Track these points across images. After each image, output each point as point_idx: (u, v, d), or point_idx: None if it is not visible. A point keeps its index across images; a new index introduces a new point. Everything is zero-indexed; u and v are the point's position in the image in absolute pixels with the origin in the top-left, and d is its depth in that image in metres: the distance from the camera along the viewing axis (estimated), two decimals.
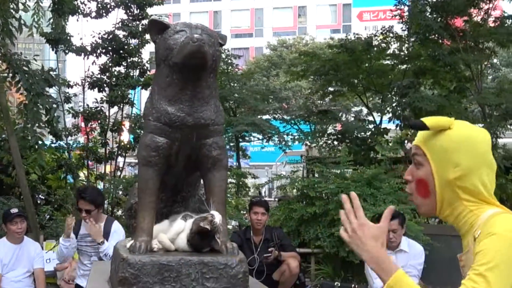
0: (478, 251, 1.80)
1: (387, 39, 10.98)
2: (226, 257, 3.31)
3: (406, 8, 10.77)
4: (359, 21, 43.06)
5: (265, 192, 21.38)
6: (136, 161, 11.32)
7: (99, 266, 4.58)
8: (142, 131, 9.97)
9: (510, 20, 10.03)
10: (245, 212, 9.14)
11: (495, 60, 27.81)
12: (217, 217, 3.22)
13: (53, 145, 10.60)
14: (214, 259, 3.28)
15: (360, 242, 1.91)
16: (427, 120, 2.01)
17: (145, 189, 3.42)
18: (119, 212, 10.41)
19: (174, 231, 3.36)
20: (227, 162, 3.69)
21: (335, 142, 11.16)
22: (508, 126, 9.85)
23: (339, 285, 7.30)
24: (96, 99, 10.71)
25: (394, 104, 10.33)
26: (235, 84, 11.67)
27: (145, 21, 10.63)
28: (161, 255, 3.28)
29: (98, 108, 10.64)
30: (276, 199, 13.37)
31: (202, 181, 3.73)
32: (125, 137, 11.18)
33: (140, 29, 10.58)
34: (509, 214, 1.94)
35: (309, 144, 11.95)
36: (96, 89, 10.66)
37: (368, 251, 1.89)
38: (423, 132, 2.07)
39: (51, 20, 10.14)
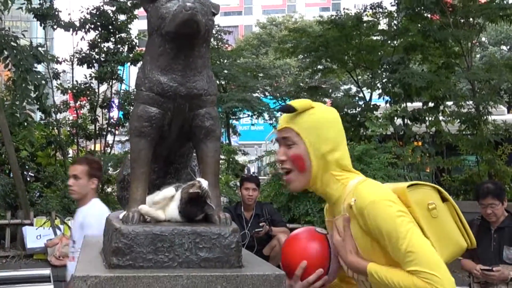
0: (372, 221, 2.13)
1: (376, 14, 10.95)
2: (219, 227, 3.31)
3: None
4: None
5: (255, 170, 21.37)
6: (126, 138, 11.32)
7: (90, 239, 4.58)
8: (131, 108, 9.98)
9: None
10: (235, 188, 9.17)
11: (483, 39, 27.91)
12: (204, 183, 3.22)
13: (42, 121, 10.54)
14: (207, 229, 3.28)
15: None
16: (294, 103, 2.33)
17: (138, 160, 3.40)
18: (109, 189, 10.41)
19: (162, 195, 3.34)
20: (220, 133, 3.68)
21: None
22: (498, 101, 9.87)
23: None
24: (85, 75, 10.63)
25: (384, 80, 10.33)
26: (225, 61, 11.62)
27: None
28: (154, 225, 3.27)
29: (87, 85, 10.57)
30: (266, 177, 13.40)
31: (195, 152, 3.72)
32: (115, 113, 11.12)
33: (128, 4, 10.48)
34: (370, 180, 2.30)
35: None
36: (85, 65, 10.59)
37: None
38: (288, 115, 2.37)
39: None
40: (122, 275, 3.05)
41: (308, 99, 2.38)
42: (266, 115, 11.59)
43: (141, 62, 3.73)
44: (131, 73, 16.69)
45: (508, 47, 30.12)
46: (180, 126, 3.48)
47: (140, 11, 9.51)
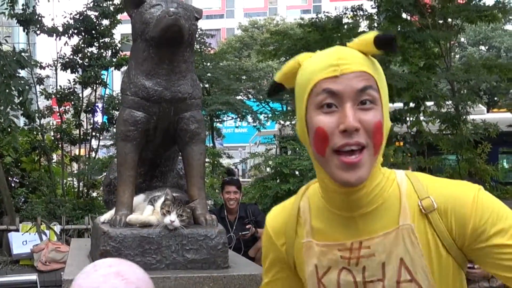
0: (478, 217, 1.35)
1: (357, 17, 11.06)
2: (206, 228, 3.38)
3: None
4: (329, 1, 43.10)
5: (239, 173, 21.40)
6: (111, 142, 11.31)
7: (77, 243, 4.62)
8: (116, 112, 10.00)
9: None
10: (219, 191, 9.22)
11: (462, 39, 28.19)
12: (169, 195, 3.32)
13: (26, 127, 10.51)
14: (193, 230, 3.35)
15: None
16: (276, 76, 1.51)
17: (124, 163, 3.46)
18: (94, 194, 10.41)
19: (144, 218, 3.41)
20: (205, 135, 3.75)
21: None
22: (476, 101, 10.02)
23: None
24: (69, 80, 10.63)
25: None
26: (208, 64, 11.68)
27: (116, 1, 10.54)
28: (142, 228, 3.34)
29: (71, 90, 10.56)
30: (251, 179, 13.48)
31: (180, 156, 3.78)
32: (99, 118, 11.12)
33: (111, 9, 10.49)
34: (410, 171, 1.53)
35: (282, 123, 12.02)
36: (68, 70, 10.57)
37: None
38: (359, 55, 1.39)
39: (22, 1, 10.02)
40: None
41: (302, 55, 1.48)
42: (249, 118, 11.66)
43: (126, 67, 3.79)
44: (114, 78, 16.68)
45: (487, 47, 30.43)
46: (165, 130, 3.54)
47: (123, 16, 9.52)
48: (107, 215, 3.53)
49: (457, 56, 24.85)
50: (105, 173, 6.04)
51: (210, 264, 3.31)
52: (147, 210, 3.40)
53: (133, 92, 3.43)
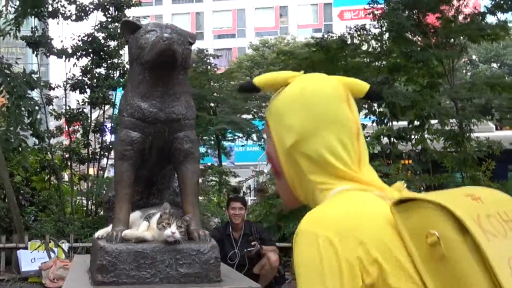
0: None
1: (362, 37, 11.18)
2: (199, 243, 3.51)
3: (380, 6, 10.98)
4: (340, 20, 43.28)
5: (250, 193, 21.37)
6: None
7: (79, 259, 4.77)
8: None
9: (480, 17, 10.30)
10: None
11: (473, 57, 28.24)
12: (167, 209, 3.46)
13: (36, 146, 10.71)
14: (187, 246, 3.48)
15: None
16: (257, 79, 1.57)
17: (121, 182, 3.61)
18: (103, 212, 10.54)
19: (140, 234, 3.53)
20: (199, 155, 3.88)
21: None
22: (481, 119, 10.06)
23: None
24: (78, 101, 10.84)
25: (369, 100, 10.52)
26: (215, 84, 11.84)
27: None
28: (137, 243, 3.47)
29: (80, 110, 10.76)
30: (256, 192, 13.55)
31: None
32: (108, 137, 11.29)
33: (118, 30, 10.71)
34: (355, 193, 1.36)
35: None
36: (77, 91, 10.78)
37: None
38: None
39: (30, 23, 10.27)
40: None
41: (289, 72, 1.54)
42: (254, 137, 11.77)
43: (124, 90, 3.95)
44: None
45: (498, 64, 30.45)
46: (160, 149, 3.69)
47: None
48: (102, 231, 3.66)
49: (469, 73, 24.86)
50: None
51: (202, 278, 3.43)
52: (143, 226, 3.53)
53: (130, 113, 3.58)
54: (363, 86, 1.53)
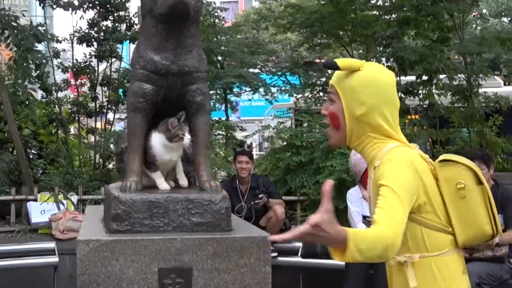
0: (379, 175, 2.16)
1: None
2: (210, 194, 3.58)
3: None
4: None
5: (256, 147, 21.46)
6: (126, 115, 11.49)
7: (91, 210, 4.86)
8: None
9: None
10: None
11: (484, 10, 27.83)
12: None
13: (43, 100, 10.73)
14: (199, 196, 3.55)
15: (325, 239, 1.92)
16: (339, 61, 2.28)
17: (134, 133, 3.66)
18: (110, 165, 10.62)
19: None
20: (210, 107, 3.93)
21: (321, 93, 11.32)
22: (489, 74, 9.98)
23: None
24: (84, 54, 10.81)
25: (377, 55, 10.46)
26: (222, 37, 11.75)
27: None
28: (150, 193, 3.55)
29: (87, 63, 10.74)
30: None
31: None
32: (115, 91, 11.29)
33: None
34: (405, 147, 2.30)
35: (296, 96, 12.09)
36: (84, 44, 10.74)
37: (334, 240, 1.91)
38: (338, 72, 2.35)
39: None
40: (121, 239, 3.33)
41: (360, 60, 2.37)
42: (262, 91, 11.73)
43: (136, 42, 3.96)
44: (130, 51, 16.81)
45: (509, 18, 30.00)
46: (173, 102, 3.73)
47: None
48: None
49: (479, 28, 24.54)
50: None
51: (214, 227, 3.52)
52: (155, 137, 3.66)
53: (142, 66, 3.61)
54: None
